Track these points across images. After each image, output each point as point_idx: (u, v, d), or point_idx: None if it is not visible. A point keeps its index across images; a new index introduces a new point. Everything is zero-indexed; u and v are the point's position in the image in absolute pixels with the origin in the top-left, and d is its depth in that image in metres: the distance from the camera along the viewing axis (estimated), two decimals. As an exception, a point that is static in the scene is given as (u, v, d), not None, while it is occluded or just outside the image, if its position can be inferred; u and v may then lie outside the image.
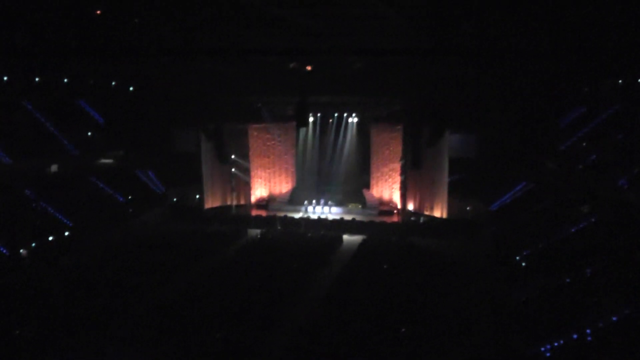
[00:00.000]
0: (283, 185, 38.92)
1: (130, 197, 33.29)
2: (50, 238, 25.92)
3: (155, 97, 34.56)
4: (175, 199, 36.60)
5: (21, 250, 24.03)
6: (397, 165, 35.08)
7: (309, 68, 27.31)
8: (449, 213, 32.08)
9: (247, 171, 36.82)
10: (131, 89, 33.88)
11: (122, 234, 28.97)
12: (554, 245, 22.68)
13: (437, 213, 32.67)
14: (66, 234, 27.00)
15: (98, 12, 16.78)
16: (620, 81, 26.15)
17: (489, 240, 27.64)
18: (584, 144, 28.36)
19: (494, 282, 21.84)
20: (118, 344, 16.04)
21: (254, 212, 35.47)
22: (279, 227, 31.74)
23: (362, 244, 28.10)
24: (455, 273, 22.73)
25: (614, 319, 15.49)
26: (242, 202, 37.25)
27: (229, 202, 36.50)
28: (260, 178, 38.17)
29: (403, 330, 16.56)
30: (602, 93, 28.03)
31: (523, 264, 22.19)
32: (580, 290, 17.89)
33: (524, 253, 22.99)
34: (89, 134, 34.48)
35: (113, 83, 32.53)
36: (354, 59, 25.94)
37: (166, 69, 28.51)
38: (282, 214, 33.68)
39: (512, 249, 23.87)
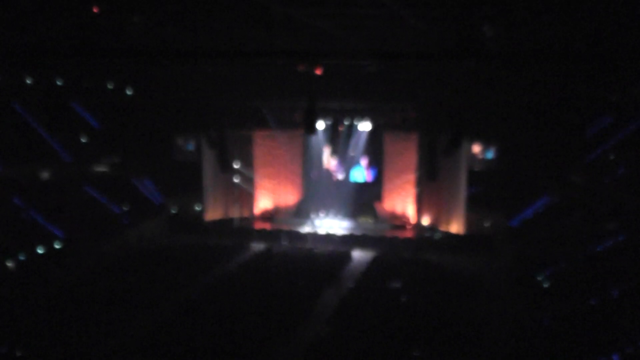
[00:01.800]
0: (289, 197, 39.02)
1: (126, 208, 33.42)
2: (40, 250, 26.05)
3: (155, 101, 34.76)
4: (173, 210, 36.74)
5: (7, 263, 24.15)
6: (412, 177, 35.15)
7: (318, 72, 27.38)
8: (466, 229, 32.04)
9: (250, 181, 36.96)
10: (129, 92, 34.10)
11: (117, 246, 29.18)
12: (578, 264, 22.56)
13: (454, 228, 32.67)
14: (56, 245, 27.10)
15: (95, 9, 16.90)
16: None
17: (508, 259, 27.53)
18: (612, 156, 28.22)
19: (513, 303, 21.76)
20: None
21: (258, 225, 35.63)
22: (284, 242, 31.75)
23: (373, 260, 28.08)
24: (472, 293, 22.72)
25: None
26: (245, 214, 37.38)
27: (231, 214, 36.65)
28: (265, 189, 38.30)
29: (415, 354, 16.49)
30: (631, 101, 27.92)
31: (545, 284, 22.05)
32: (606, 314, 17.76)
33: (546, 273, 22.87)
34: (83, 140, 34.70)
35: (109, 86, 32.75)
36: (367, 62, 26.01)
37: (166, 71, 28.71)
38: (287, 228, 33.75)
39: (534, 268, 23.76)
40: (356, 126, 36.24)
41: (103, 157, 35.66)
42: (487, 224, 32.41)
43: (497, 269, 26.98)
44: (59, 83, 29.37)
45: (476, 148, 34.33)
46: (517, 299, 21.97)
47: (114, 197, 33.58)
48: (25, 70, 28.66)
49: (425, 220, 35.04)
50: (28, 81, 28.94)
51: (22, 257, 24.80)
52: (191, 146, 37.96)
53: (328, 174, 38.79)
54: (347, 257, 29.29)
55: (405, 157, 36.32)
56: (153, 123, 36.41)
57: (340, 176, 38.54)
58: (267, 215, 37.78)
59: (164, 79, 30.72)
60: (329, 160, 38.58)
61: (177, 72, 29.50)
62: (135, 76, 31.29)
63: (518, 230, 30.26)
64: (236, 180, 36.02)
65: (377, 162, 38.05)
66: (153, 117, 36.07)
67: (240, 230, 34.56)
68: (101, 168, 35.40)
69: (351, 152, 37.70)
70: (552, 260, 23.74)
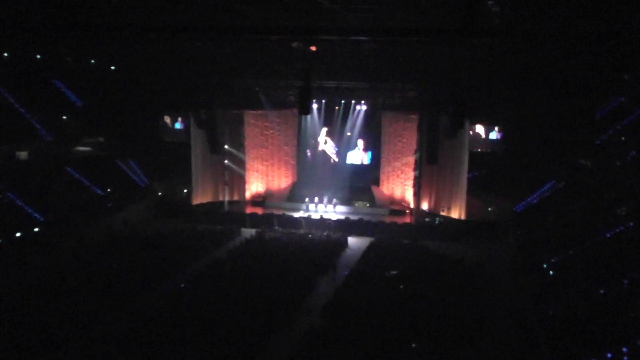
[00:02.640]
0: (282, 180, 38.89)
1: (109, 190, 33.21)
2: (18, 234, 25.81)
3: (140, 78, 34.39)
4: (160, 193, 36.53)
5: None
6: (411, 159, 35.03)
7: (313, 49, 27.11)
8: (468, 214, 32.02)
9: (241, 163, 36.73)
10: (113, 68, 33.71)
11: (100, 231, 28.86)
12: (586, 252, 22.48)
13: (455, 214, 32.59)
14: (36, 230, 26.89)
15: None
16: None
17: (512, 246, 27.52)
18: (623, 138, 28.14)
19: (518, 293, 21.69)
20: (90, 357, 15.95)
21: (249, 210, 35.42)
22: (277, 227, 31.64)
23: (370, 247, 28.03)
24: (475, 282, 22.59)
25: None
26: (236, 197, 37.19)
27: (220, 198, 36.43)
28: (257, 171, 38.12)
29: (414, 345, 16.46)
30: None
31: (551, 272, 22.03)
32: (616, 304, 17.73)
33: (553, 260, 22.81)
34: (64, 118, 34.38)
35: (92, 61, 32.35)
36: (365, 39, 25.76)
37: (153, 47, 28.27)
38: (280, 212, 33.62)
39: (539, 255, 23.71)
40: (353, 106, 36.14)
41: (85, 137, 35.37)
42: (490, 209, 32.39)
43: (501, 257, 26.86)
44: (38, 58, 29.17)
45: (479, 129, 34.25)
46: (521, 289, 21.92)
47: (97, 179, 33.26)
48: (2, 45, 28.32)
49: (425, 205, 34.98)
50: (5, 54, 28.69)
51: (-1, 242, 24.72)
52: (179, 126, 37.74)
53: (323, 155, 38.69)
54: (343, 243, 29.17)
55: (405, 139, 36.17)
56: (139, 101, 36.02)
57: (335, 158, 38.47)
58: (259, 199, 37.56)
59: (150, 55, 30.26)
60: (324, 142, 38.48)
61: (164, 48, 29.09)
62: (119, 52, 30.85)
63: (523, 216, 30.23)
64: (226, 162, 35.80)
65: (374, 144, 37.93)
66: (139, 95, 35.65)
67: (231, 214, 34.29)
68: (83, 148, 35.13)
69: (347, 133, 37.58)
70: (559, 248, 23.66)
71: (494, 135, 34.14)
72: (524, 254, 25.30)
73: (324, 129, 37.88)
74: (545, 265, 22.66)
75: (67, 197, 30.38)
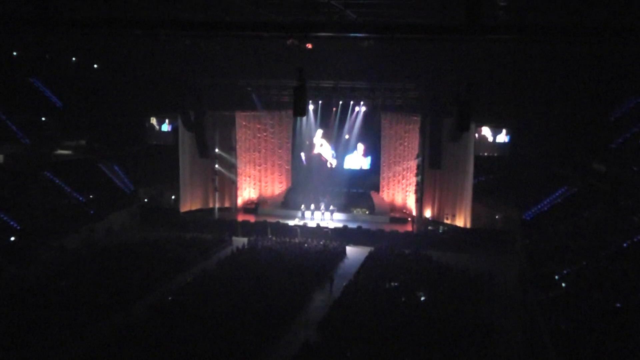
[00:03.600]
0: (276, 186, 38.78)
1: (91, 197, 33.04)
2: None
3: (125, 77, 34.30)
4: (146, 200, 36.37)
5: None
6: (413, 164, 34.93)
7: (309, 46, 27.08)
8: (473, 222, 31.93)
9: (233, 168, 36.63)
10: (95, 66, 33.64)
11: (81, 240, 28.72)
12: (601, 263, 22.42)
13: (460, 222, 32.48)
14: (12, 239, 26.71)
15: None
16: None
17: (521, 256, 27.41)
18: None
19: (527, 306, 21.60)
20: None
21: (241, 217, 35.25)
22: (270, 236, 31.53)
23: (369, 257, 27.93)
24: (481, 295, 22.49)
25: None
26: (227, 204, 37.04)
27: (210, 205, 36.25)
28: (249, 176, 38.02)
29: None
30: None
31: (563, 285, 21.96)
32: (632, 318, 17.68)
33: (565, 272, 22.74)
34: (43, 119, 34.26)
35: (73, 59, 32.28)
36: (364, 36, 25.76)
37: (138, 43, 28.29)
38: (274, 220, 33.48)
39: (550, 266, 23.63)
40: (351, 107, 36.09)
41: (66, 139, 35.24)
42: (497, 217, 32.32)
43: (509, 268, 26.77)
44: (15, 55, 29.07)
45: (485, 131, 34.23)
46: (530, 302, 21.84)
47: (78, 184, 32.94)
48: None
49: (428, 213, 34.91)
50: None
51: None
52: (166, 128, 37.66)
53: (320, 160, 38.63)
54: (341, 253, 29.06)
55: (406, 142, 36.06)
56: (123, 101, 35.88)
57: (333, 163, 38.43)
58: (251, 206, 37.41)
59: (136, 53, 30.29)
60: (320, 145, 38.43)
61: (150, 45, 29.08)
62: (103, 49, 30.87)
63: (532, 225, 30.12)
64: (216, 166, 35.70)
65: (374, 147, 37.86)
66: (123, 95, 35.52)
67: (221, 222, 34.13)
68: (64, 151, 34.98)
69: (345, 136, 37.55)
70: (571, 259, 23.60)
71: (501, 138, 34.10)
72: (534, 264, 25.17)
73: (320, 131, 37.81)
74: (556, 277, 22.57)
75: (45, 203, 30.16)
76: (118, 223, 32.77)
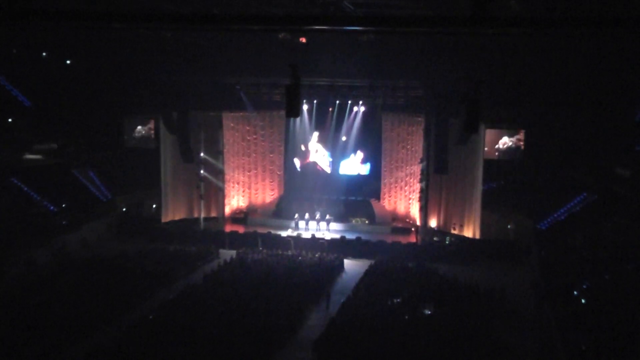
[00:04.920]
0: (267, 193, 38.76)
1: (64, 206, 32.98)
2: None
3: (101, 74, 34.27)
4: (124, 209, 36.32)
5: None
6: (416, 169, 34.94)
7: (303, 40, 27.13)
8: (483, 232, 31.96)
9: (220, 174, 36.61)
10: (68, 62, 33.59)
11: (52, 254, 28.61)
12: (624, 276, 22.49)
13: (468, 232, 32.52)
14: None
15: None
16: None
17: (536, 269, 27.45)
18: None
19: (543, 324, 21.61)
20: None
21: (229, 228, 35.22)
22: (261, 248, 31.51)
23: (369, 271, 27.92)
24: (492, 312, 22.46)
25: None
26: (213, 214, 37.02)
27: (195, 214, 36.25)
28: (238, 183, 38.01)
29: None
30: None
31: (583, 300, 21.98)
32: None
33: (584, 286, 22.77)
34: (10, 120, 34.19)
35: (44, 54, 32.22)
36: (363, 30, 25.82)
37: (116, 37, 28.23)
38: (265, 231, 33.47)
39: (568, 280, 23.66)
40: (349, 107, 36.15)
41: (36, 143, 35.19)
42: (509, 227, 32.34)
43: (522, 282, 26.72)
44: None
45: (496, 134, 34.29)
46: (546, 319, 21.86)
47: (49, 192, 32.90)
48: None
49: (433, 222, 34.95)
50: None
51: None
52: (146, 130, 37.66)
53: (315, 164, 38.65)
54: (338, 267, 29.02)
55: (409, 145, 36.09)
56: (99, 101, 35.80)
57: (328, 169, 38.45)
58: (240, 216, 37.40)
59: (113, 48, 30.22)
60: (315, 150, 38.46)
61: (129, 39, 29.04)
62: (77, 43, 30.82)
63: (548, 235, 30.16)
64: (202, 172, 35.70)
65: (374, 151, 37.89)
66: (100, 94, 35.45)
67: (207, 233, 34.07)
68: (33, 156, 34.93)
69: (342, 138, 37.59)
70: (592, 272, 23.67)
71: (513, 141, 34.14)
72: (550, 278, 25.19)
73: (315, 134, 37.85)
74: (575, 292, 22.60)
75: (12, 213, 30.06)
76: (93, 234, 32.69)
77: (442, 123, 31.44)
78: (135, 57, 30.89)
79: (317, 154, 38.39)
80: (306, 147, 38.35)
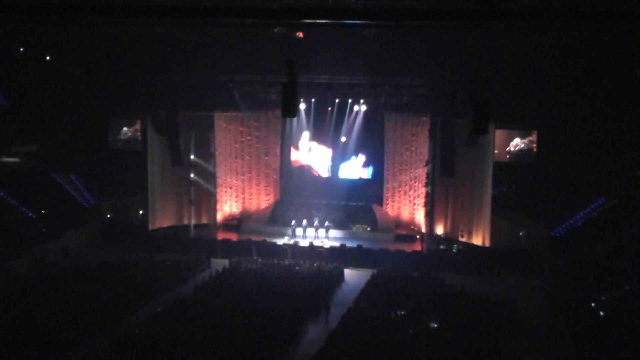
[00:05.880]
0: (262, 198, 38.73)
1: (43, 212, 32.94)
2: None
3: (84, 71, 34.24)
4: (109, 215, 36.25)
5: None
6: (422, 172, 34.93)
7: (300, 35, 27.13)
8: (493, 240, 31.93)
9: (211, 178, 36.59)
10: (48, 58, 33.55)
11: (31, 264, 28.53)
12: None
13: (477, 240, 32.49)
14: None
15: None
16: None
17: (550, 280, 27.43)
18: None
19: (558, 339, 21.57)
20: None
21: (221, 235, 35.18)
22: (256, 257, 31.47)
23: (371, 281, 27.89)
24: (503, 325, 22.43)
25: None
26: (204, 220, 37.00)
27: (185, 221, 36.21)
28: (231, 187, 37.97)
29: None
30: None
31: (601, 313, 21.97)
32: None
33: (603, 298, 22.76)
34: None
35: (21, 49, 32.18)
36: (364, 23, 25.84)
37: (100, 32, 28.22)
38: (259, 239, 33.41)
39: (585, 292, 23.65)
40: (350, 106, 36.14)
41: (13, 145, 35.17)
42: (521, 234, 32.32)
43: (535, 293, 26.71)
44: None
45: (507, 135, 34.31)
46: (561, 333, 21.82)
47: (27, 197, 32.86)
48: None
49: (440, 229, 34.93)
50: None
51: None
52: (132, 131, 37.65)
53: (308, 167, 38.68)
54: (338, 277, 28.99)
55: (413, 147, 36.10)
56: (82, 100, 35.80)
57: (323, 173, 38.44)
58: (233, 222, 37.36)
59: (97, 43, 30.21)
60: (309, 149, 38.45)
61: (114, 34, 29.02)
62: (57, 37, 30.77)
63: (563, 242, 30.14)
64: (192, 176, 35.68)
65: (376, 153, 37.87)
66: (82, 93, 35.42)
67: (198, 241, 34.01)
68: (10, 159, 34.90)
69: (342, 138, 37.60)
70: (611, 282, 23.64)
71: (517, 141, 34.23)
72: (565, 289, 25.19)
73: (306, 133, 37.82)
74: (593, 304, 22.59)
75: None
76: (75, 243, 32.59)
77: (449, 123, 31.48)
78: (122, 53, 30.87)
79: (311, 154, 38.32)
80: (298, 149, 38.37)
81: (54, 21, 26.00)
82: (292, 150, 38.69)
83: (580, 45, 26.26)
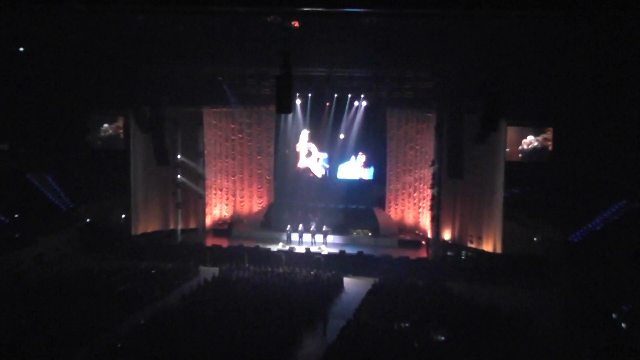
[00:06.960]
0: (254, 201, 38.72)
1: (17, 216, 32.86)
2: None
3: (61, 63, 34.16)
4: (88, 220, 36.19)
5: None
6: (427, 173, 34.94)
7: (295, 24, 27.08)
8: (505, 246, 31.91)
9: (200, 179, 36.56)
10: (22, 49, 33.47)
11: (4, 272, 28.44)
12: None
13: (488, 246, 32.48)
14: None
15: None
16: None
17: (567, 289, 27.43)
18: None
19: (576, 352, 21.54)
20: None
21: (210, 241, 35.20)
22: (248, 265, 31.45)
23: (373, 290, 27.89)
24: (516, 338, 22.39)
25: None
26: (192, 225, 36.96)
27: (171, 226, 36.20)
28: (221, 189, 37.97)
29: None
30: None
31: (623, 325, 21.96)
32: None
33: (625, 308, 22.74)
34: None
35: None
36: (364, 11, 25.81)
37: (78, 20, 28.14)
38: (252, 245, 33.39)
39: (605, 302, 23.64)
40: (349, 101, 36.13)
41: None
42: (535, 240, 32.31)
43: (551, 304, 26.72)
44: None
45: (519, 132, 34.29)
46: (580, 346, 21.82)
47: (0, 200, 33.06)
48: None
49: (447, 235, 34.92)
50: None
51: None
52: (114, 129, 37.59)
53: (305, 169, 38.64)
54: (337, 285, 29.00)
55: (418, 145, 36.15)
56: (59, 95, 35.75)
57: (320, 174, 38.42)
58: (224, 227, 37.38)
59: (75, 32, 30.13)
60: (307, 151, 38.41)
61: (94, 22, 28.94)
62: (32, 27, 30.71)
63: (581, 248, 30.11)
64: (179, 177, 35.65)
65: (378, 152, 37.89)
66: (59, 87, 35.38)
67: (185, 248, 33.92)
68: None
69: (341, 136, 37.56)
70: (634, 291, 23.64)
71: (530, 139, 34.20)
72: (584, 299, 25.19)
73: (305, 132, 37.77)
74: (614, 315, 22.57)
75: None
76: (52, 249, 32.47)
77: (457, 119, 31.38)
78: (101, 43, 30.75)
79: (309, 157, 38.28)
80: (297, 147, 38.32)
81: (30, 9, 26.00)
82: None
83: (600, 33, 26.19)
